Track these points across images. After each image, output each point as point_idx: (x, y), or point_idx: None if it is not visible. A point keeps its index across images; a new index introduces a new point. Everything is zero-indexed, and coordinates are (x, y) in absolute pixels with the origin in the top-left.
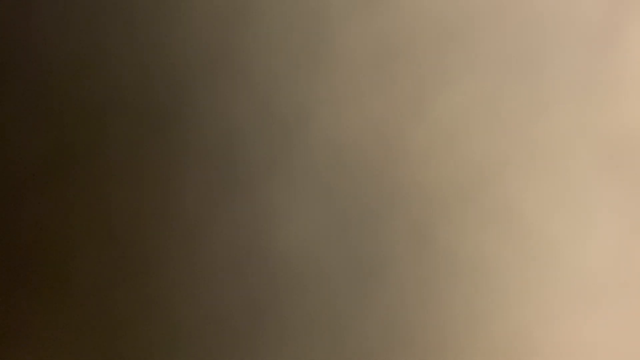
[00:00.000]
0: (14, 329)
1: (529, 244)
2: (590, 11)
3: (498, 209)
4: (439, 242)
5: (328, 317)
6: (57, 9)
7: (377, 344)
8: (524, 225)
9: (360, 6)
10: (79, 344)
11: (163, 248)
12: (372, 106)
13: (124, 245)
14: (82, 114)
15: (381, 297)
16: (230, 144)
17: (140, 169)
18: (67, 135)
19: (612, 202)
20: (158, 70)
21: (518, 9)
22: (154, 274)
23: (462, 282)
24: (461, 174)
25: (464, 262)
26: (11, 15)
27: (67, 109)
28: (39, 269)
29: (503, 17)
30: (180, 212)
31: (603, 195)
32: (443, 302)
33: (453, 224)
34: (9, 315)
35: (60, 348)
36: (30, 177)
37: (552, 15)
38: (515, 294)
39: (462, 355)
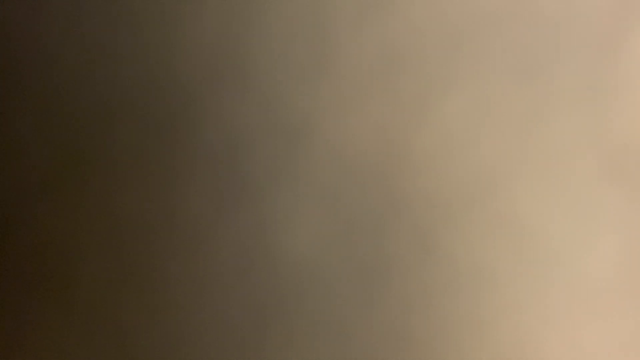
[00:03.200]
0: (19, 333)
1: (532, 250)
2: (595, 17)
3: (501, 215)
4: (442, 247)
5: (332, 322)
6: (63, 11)
7: (380, 349)
8: (527, 231)
9: (365, 13)
10: (85, 347)
11: (168, 253)
12: (376, 113)
13: (129, 250)
14: (88, 118)
15: (385, 302)
16: (236, 150)
17: (146, 174)
18: (72, 139)
19: (616, 209)
20: (164, 76)
21: (522, 15)
22: (159, 279)
23: (465, 287)
24: (465, 180)
25: (467, 267)
26: (17, 18)
27: (73, 113)
28: (44, 272)
29: (507, 23)
30: (185, 217)
31: (606, 202)
32: (446, 307)
33: (457, 229)
34: (14, 319)
35: (66, 352)
36: (35, 181)
37: (557, 20)
38: (518, 300)
39: None
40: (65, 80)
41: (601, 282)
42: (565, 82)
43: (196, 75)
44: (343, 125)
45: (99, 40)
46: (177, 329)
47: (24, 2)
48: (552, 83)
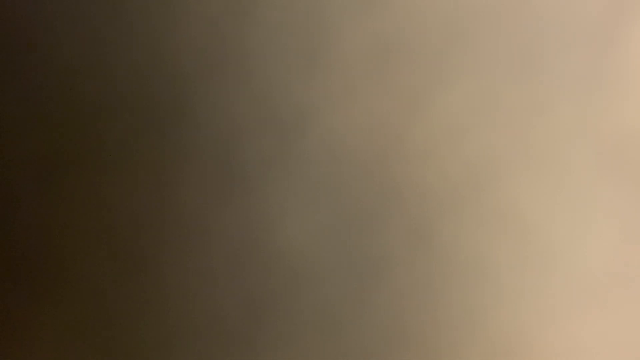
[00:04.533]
0: (11, 330)
1: (528, 244)
2: (591, 11)
3: (497, 209)
4: (437, 241)
5: (326, 317)
6: (54, 10)
7: (375, 344)
8: (523, 225)
9: (359, 7)
10: (77, 343)
11: (160, 248)
12: (371, 106)
13: (121, 246)
14: (80, 115)
15: (379, 296)
16: (229, 144)
17: (138, 169)
18: (64, 136)
19: (612, 203)
20: (156, 71)
21: (518, 8)
22: (151, 274)
23: (461, 282)
24: (460, 174)
25: (463, 262)
26: (7, 17)
27: (65, 110)
28: (36, 269)
29: (503, 17)
30: (178, 212)
31: (602, 196)
32: (441, 301)
33: (451, 223)
34: (6, 315)
35: (58, 348)
36: (27, 178)
37: (553, 14)
38: (514, 295)
39: (460, 356)
40: (55, 78)
41: (597, 276)
42: (562, 75)
43: (189, 68)
44: (338, 118)
45: (91, 34)
46: (170, 323)
47: (13, 2)
48: (549, 76)
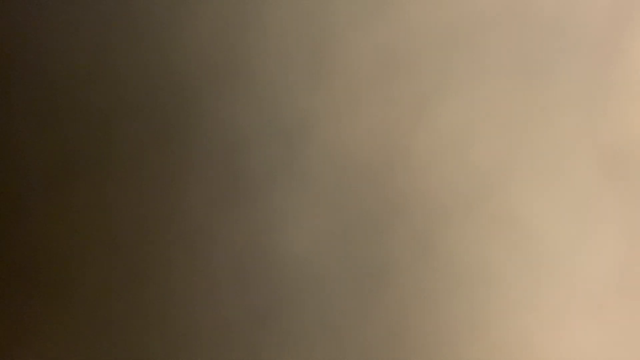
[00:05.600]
0: (17, 334)
1: (531, 251)
2: (594, 18)
3: (500, 217)
4: (441, 249)
5: (330, 324)
6: (62, 14)
7: (379, 351)
8: (526, 232)
9: (363, 16)
10: (82, 348)
11: (166, 254)
12: (375, 114)
13: (128, 251)
14: (88, 120)
15: (383, 304)
16: (234, 152)
17: (145, 175)
18: (72, 141)
19: (615, 210)
20: (163, 78)
21: (521, 16)
22: (157, 280)
23: (464, 289)
24: (464, 181)
25: (466, 269)
26: (16, 20)
27: (73, 115)
28: (43, 274)
29: (506, 25)
30: (183, 218)
31: (606, 203)
32: (445, 309)
33: (455, 231)
34: (13, 319)
35: (63, 353)
36: (34, 182)
37: (556, 22)
38: (517, 301)
39: None
40: (63, 83)
41: (600, 282)
42: (563, 83)
43: (194, 76)
44: (341, 126)
45: (97, 42)
46: (174, 329)
47: (23, 3)
48: (550, 85)
